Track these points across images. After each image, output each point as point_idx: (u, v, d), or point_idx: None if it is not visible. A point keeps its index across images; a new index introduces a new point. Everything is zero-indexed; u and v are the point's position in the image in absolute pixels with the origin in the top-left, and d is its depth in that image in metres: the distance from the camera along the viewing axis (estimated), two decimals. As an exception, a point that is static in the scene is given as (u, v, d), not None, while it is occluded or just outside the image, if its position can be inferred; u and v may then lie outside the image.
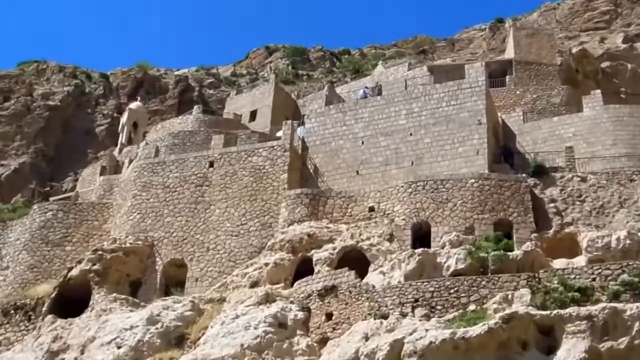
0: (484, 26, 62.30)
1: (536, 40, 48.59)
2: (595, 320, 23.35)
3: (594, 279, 25.05)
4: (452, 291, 25.64)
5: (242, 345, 26.73)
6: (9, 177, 52.14)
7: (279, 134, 38.56)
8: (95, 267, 33.47)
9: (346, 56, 69.61)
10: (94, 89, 60.01)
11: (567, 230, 30.64)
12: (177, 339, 29.17)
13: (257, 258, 32.91)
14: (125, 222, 36.46)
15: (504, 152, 36.14)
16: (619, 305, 23.52)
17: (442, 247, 29.58)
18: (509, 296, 24.85)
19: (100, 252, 33.99)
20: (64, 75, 60.64)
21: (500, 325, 23.51)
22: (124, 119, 52.40)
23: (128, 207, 36.86)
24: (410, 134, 35.44)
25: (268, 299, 28.98)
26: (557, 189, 31.79)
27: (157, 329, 29.19)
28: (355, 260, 30.32)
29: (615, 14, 54.04)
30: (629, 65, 44.97)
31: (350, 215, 33.06)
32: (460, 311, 24.97)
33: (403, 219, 31.37)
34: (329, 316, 27.31)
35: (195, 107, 49.96)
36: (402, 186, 32.41)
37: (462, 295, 25.51)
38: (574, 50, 45.90)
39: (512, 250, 28.61)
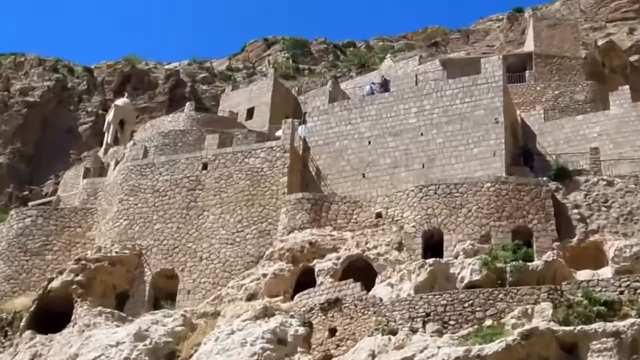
0: (502, 16, 62.45)
1: (558, 31, 48.65)
2: (623, 337, 23.33)
3: (621, 292, 25.01)
4: (466, 305, 25.64)
5: (237, 363, 26.75)
6: (-16, 180, 52.33)
7: (278, 133, 38.65)
8: (78, 278, 33.51)
9: (351, 49, 69.81)
10: (77, 83, 60.23)
11: (592, 238, 30.63)
12: (167, 356, 29.23)
13: (254, 268, 32.96)
14: (111, 229, 36.53)
15: (523, 153, 36.17)
16: (649, 321, 23.54)
17: (456, 257, 29.60)
18: (529, 310, 24.86)
19: (83, 262, 34.04)
20: (44, 68, 60.88)
21: (519, 342, 23.51)
22: (109, 116, 52.55)
23: (114, 212, 36.94)
24: (421, 134, 35.49)
25: (266, 313, 29.02)
26: (581, 194, 31.79)
27: (145, 345, 29.20)
28: (361, 271, 30.36)
29: (645, 3, 54.13)
30: (660, 59, 45.12)
31: (356, 222, 33.11)
32: (476, 327, 24.98)
33: (413, 226, 31.41)
34: (332, 332, 27.32)
35: (187, 104, 50.18)
36: (412, 190, 32.45)
37: (478, 309, 25.50)
38: (599, 43, 46.08)
39: (531, 261, 28.62)
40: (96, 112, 57.67)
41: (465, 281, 28.21)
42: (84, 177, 42.89)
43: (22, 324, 32.69)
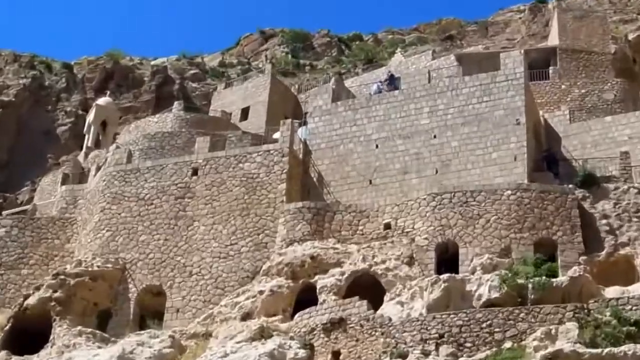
0: (523, 7, 62.57)
1: (585, 24, 48.79)
2: (655, 360, 23.43)
3: (654, 311, 25.14)
4: (484, 325, 25.72)
5: (231, 389, 26.90)
6: (-48, 187, 52.45)
7: (276, 135, 38.76)
8: (57, 294, 33.64)
9: (357, 42, 69.89)
10: (55, 81, 60.34)
11: (622, 251, 30.75)
12: (154, 381, 29.35)
13: (249, 285, 33.05)
14: (92, 240, 36.65)
15: (547, 158, 36.28)
16: (684, 343, 23.65)
17: (472, 273, 29.68)
18: (552, 331, 24.94)
19: (62, 277, 34.16)
20: (20, 65, 61.01)
21: (541, 366, 23.62)
22: (90, 117, 52.70)
23: (95, 223, 37.06)
24: (434, 137, 35.61)
25: (263, 333, 29.11)
26: (610, 203, 31.89)
27: (129, 369, 29.32)
28: (367, 288, 30.43)
29: (681, -7, 54.31)
30: (697, 55, 45.25)
31: (362, 234, 33.19)
32: (494, 349, 25.05)
33: (425, 239, 31.50)
34: (335, 355, 27.40)
35: (176, 103, 50.22)
36: (424, 199, 32.54)
37: (496, 330, 25.59)
38: (630, 37, 46.22)
39: (556, 276, 28.71)
40: (76, 112, 57.75)
41: (483, 299, 28.26)
42: (63, 184, 43.00)
43: (-5, 344, 32.85)
